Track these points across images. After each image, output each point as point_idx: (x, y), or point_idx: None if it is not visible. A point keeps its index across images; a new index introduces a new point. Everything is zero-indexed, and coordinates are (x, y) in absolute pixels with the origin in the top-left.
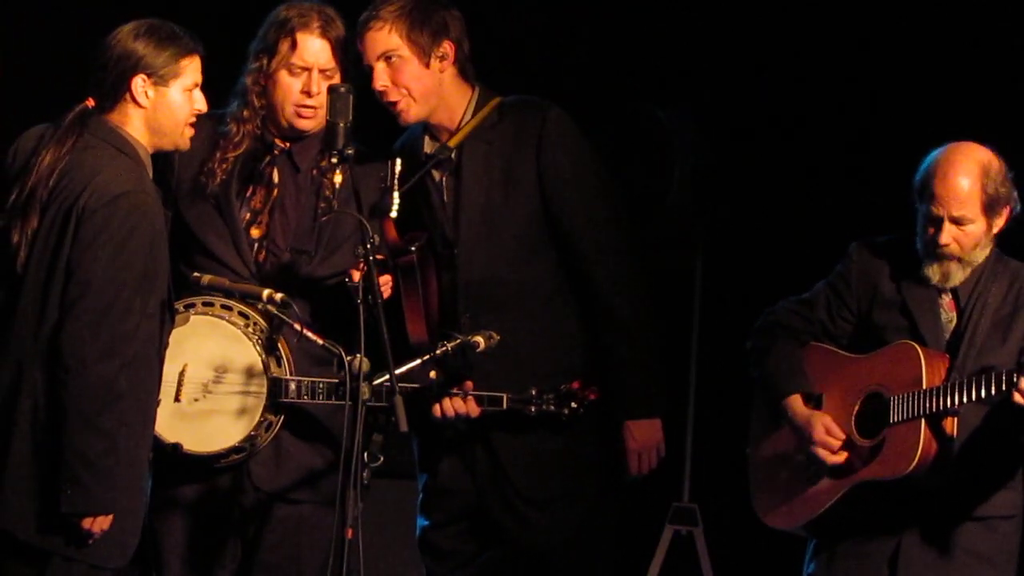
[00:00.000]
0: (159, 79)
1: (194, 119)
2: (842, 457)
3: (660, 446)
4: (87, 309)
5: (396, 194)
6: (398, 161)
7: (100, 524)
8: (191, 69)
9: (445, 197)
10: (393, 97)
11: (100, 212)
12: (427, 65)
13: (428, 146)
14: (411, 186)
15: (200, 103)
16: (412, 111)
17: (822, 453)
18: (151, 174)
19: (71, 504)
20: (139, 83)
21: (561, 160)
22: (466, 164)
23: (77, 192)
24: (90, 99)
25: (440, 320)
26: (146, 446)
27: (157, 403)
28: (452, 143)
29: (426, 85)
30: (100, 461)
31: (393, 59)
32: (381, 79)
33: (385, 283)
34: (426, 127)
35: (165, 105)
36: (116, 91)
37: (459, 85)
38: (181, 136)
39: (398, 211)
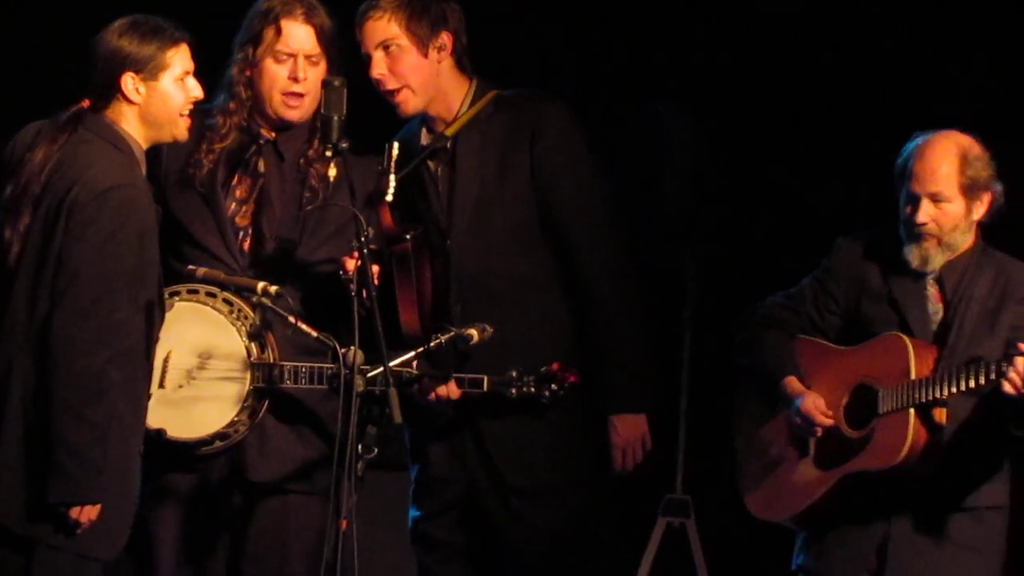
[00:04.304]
0: (148, 74)
1: (191, 107)
2: (829, 421)
3: (645, 440)
4: (76, 300)
5: (392, 178)
6: (395, 145)
7: (88, 514)
8: (179, 59)
9: (440, 187)
10: (390, 86)
11: (90, 205)
12: (425, 55)
13: (425, 138)
14: (407, 173)
15: (195, 90)
16: (410, 101)
17: (803, 422)
18: (145, 170)
19: (58, 493)
20: (128, 80)
21: (555, 152)
22: (461, 154)
23: (68, 186)
24: (86, 100)
25: (433, 310)
26: (136, 438)
27: (148, 397)
28: (448, 133)
29: (424, 75)
30: (88, 451)
31: (392, 48)
32: (379, 67)
33: (374, 274)
34: (423, 120)
35: (158, 98)
36: (107, 90)
37: (456, 76)
38: (177, 126)
39: (394, 196)
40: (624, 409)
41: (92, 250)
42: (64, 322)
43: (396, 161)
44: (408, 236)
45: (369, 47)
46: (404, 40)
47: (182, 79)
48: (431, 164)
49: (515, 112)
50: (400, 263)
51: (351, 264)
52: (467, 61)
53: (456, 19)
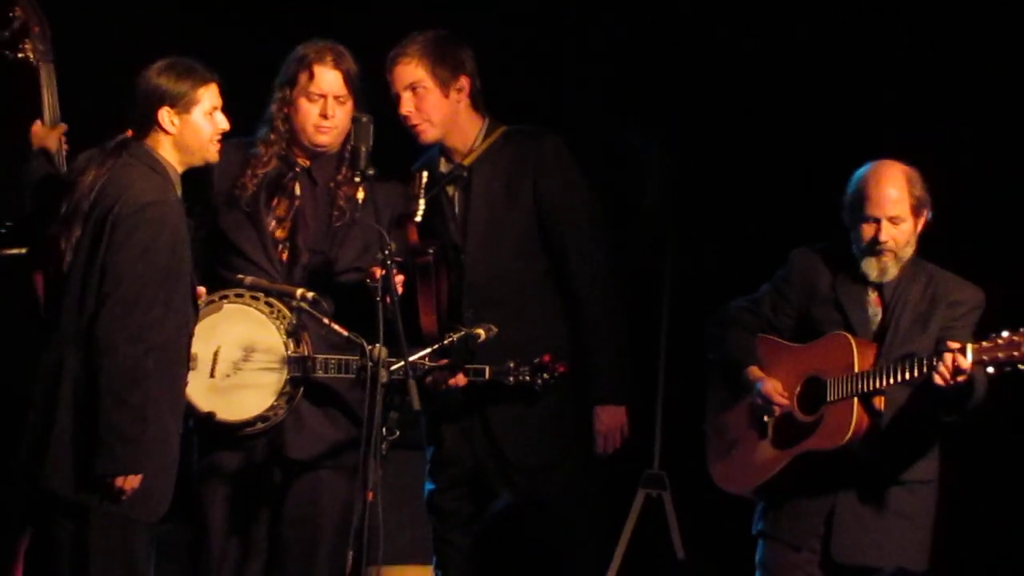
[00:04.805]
0: (182, 108)
1: (220, 136)
2: (785, 401)
3: (624, 429)
4: (118, 301)
5: (421, 203)
6: (424, 174)
7: (130, 483)
8: (208, 95)
9: (456, 209)
10: (415, 121)
11: (130, 219)
12: (447, 96)
13: (443, 166)
14: (431, 197)
15: (222, 123)
16: (430, 133)
17: (763, 401)
18: (180, 190)
19: (104, 466)
20: (165, 114)
21: (555, 181)
22: (475, 182)
23: (111, 203)
24: (129, 130)
25: (448, 313)
26: (174, 419)
27: (185, 383)
28: (466, 163)
29: (444, 112)
30: (128, 430)
31: (418, 89)
32: (407, 106)
33: (398, 282)
34: (442, 149)
35: (190, 129)
36: (147, 122)
37: (471, 114)
38: (208, 152)
39: (422, 217)
40: (606, 400)
41: (131, 257)
42: (107, 320)
43: (424, 188)
44: (430, 251)
45: (398, 88)
46: (429, 83)
47: (211, 113)
48: (448, 189)
49: (521, 146)
50: (422, 273)
51: (379, 271)
52: (481, 101)
53: (472, 64)
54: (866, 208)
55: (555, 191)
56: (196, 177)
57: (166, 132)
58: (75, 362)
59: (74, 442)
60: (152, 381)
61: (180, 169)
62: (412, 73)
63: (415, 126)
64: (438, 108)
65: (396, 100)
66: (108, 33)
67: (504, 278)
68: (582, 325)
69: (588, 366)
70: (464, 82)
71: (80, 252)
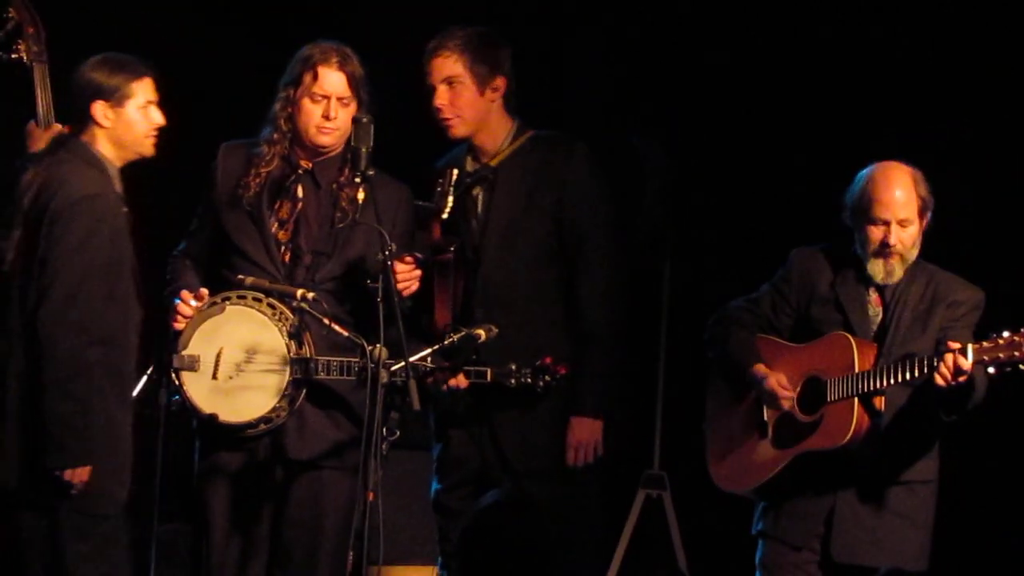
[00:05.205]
0: (115, 102)
1: (155, 132)
2: (788, 393)
3: (598, 446)
4: (58, 294)
5: (450, 199)
6: (455, 172)
7: (79, 475)
8: (142, 90)
9: (479, 209)
10: (447, 115)
11: (66, 213)
12: (482, 94)
13: (470, 164)
14: (459, 195)
15: (157, 118)
16: (460, 129)
17: (766, 394)
18: (118, 183)
19: (51, 459)
20: (99, 107)
21: (578, 192)
22: (499, 183)
23: (48, 199)
24: (67, 126)
25: (461, 311)
26: (124, 411)
27: (133, 374)
28: (493, 164)
29: (478, 110)
30: (73, 421)
31: (455, 84)
32: (442, 99)
33: (416, 277)
34: (469, 148)
35: (124, 123)
36: (83, 117)
37: (503, 115)
38: (143, 147)
39: (448, 214)
40: (584, 412)
41: (69, 251)
42: (48, 313)
43: (454, 185)
44: (452, 248)
45: (435, 80)
46: (466, 78)
47: (145, 107)
48: (474, 188)
49: (548, 152)
50: (441, 271)
51: (400, 267)
52: (513, 103)
53: (510, 65)
54: (874, 211)
55: (578, 204)
56: (198, 177)
57: (101, 126)
58: (20, 358)
59: (22, 438)
60: (97, 373)
61: (118, 164)
62: (450, 67)
63: (446, 119)
64: (472, 105)
65: (430, 91)
66: (106, 33)
67: (518, 281)
68: (578, 336)
69: (574, 374)
70: (500, 82)
71: (21, 250)
